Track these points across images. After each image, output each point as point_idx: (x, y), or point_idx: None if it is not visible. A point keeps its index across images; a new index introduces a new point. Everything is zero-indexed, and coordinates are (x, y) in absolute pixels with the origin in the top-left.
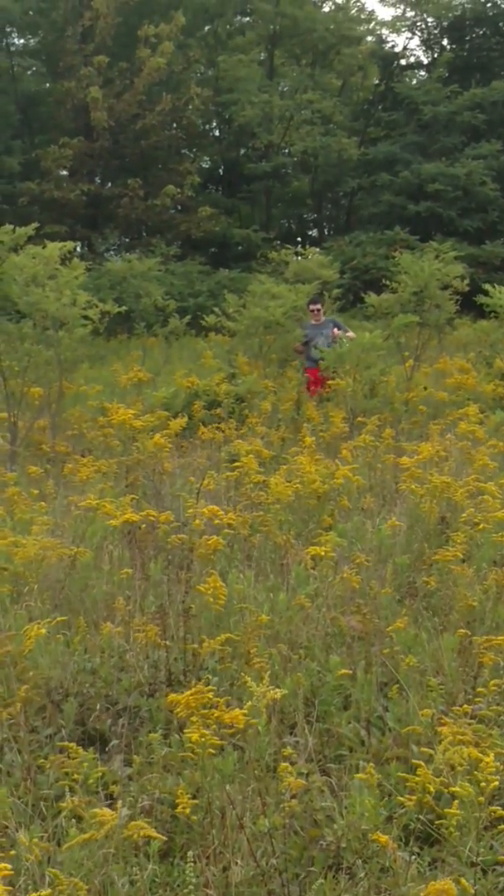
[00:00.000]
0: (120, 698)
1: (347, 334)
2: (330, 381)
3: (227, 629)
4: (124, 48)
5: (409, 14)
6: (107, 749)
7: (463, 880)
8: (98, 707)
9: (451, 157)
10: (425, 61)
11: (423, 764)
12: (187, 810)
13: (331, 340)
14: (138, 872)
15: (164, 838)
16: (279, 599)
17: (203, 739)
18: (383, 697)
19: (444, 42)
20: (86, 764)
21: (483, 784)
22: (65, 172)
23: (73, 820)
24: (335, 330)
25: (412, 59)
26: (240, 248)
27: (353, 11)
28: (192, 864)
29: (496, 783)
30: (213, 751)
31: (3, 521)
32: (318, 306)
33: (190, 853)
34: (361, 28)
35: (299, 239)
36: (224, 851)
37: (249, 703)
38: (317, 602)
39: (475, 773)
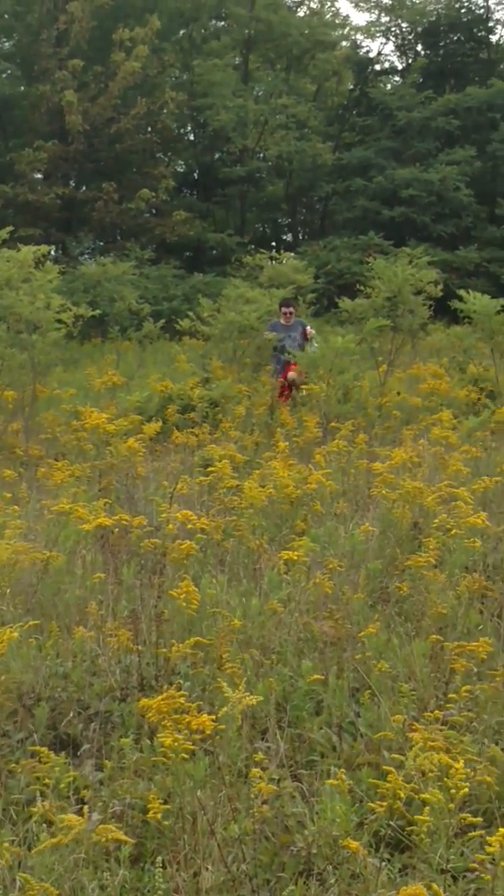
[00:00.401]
0: (92, 703)
1: (312, 333)
2: (304, 386)
3: (200, 634)
4: (99, 52)
5: (384, 19)
6: (78, 754)
7: (434, 886)
8: (70, 711)
9: (425, 162)
10: (400, 66)
11: (393, 770)
12: (158, 815)
13: (300, 342)
14: (108, 877)
15: (134, 842)
16: (252, 604)
17: (176, 744)
18: (355, 703)
19: (419, 47)
20: (57, 768)
21: (453, 791)
22: (39, 176)
23: (44, 825)
24: (308, 329)
25: (387, 65)
26: (214, 252)
27: (327, 16)
28: (161, 869)
29: (466, 790)
30: (185, 756)
31: None
32: (291, 309)
33: (160, 858)
34: (336, 33)
35: (274, 243)
36: (194, 857)
37: (224, 709)
38: (289, 607)
39: (446, 779)
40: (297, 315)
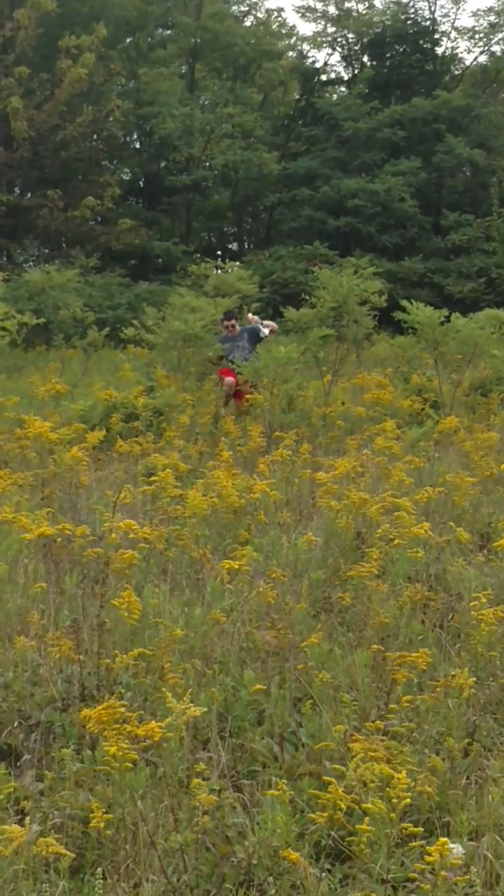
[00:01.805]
0: (33, 713)
1: (264, 324)
2: (248, 396)
3: (142, 643)
4: (45, 59)
5: (330, 30)
6: (18, 764)
7: None
8: (10, 722)
9: (370, 172)
10: (346, 77)
11: (334, 781)
12: (101, 824)
13: (249, 350)
14: (48, 889)
15: (73, 856)
16: (194, 614)
17: (121, 753)
18: (297, 713)
19: (365, 58)
20: None
21: (395, 800)
22: None
23: None
24: (261, 326)
25: (333, 75)
26: (160, 260)
27: (274, 26)
28: (102, 880)
29: (408, 800)
30: (129, 765)
31: None
32: (233, 322)
33: (100, 870)
34: (282, 43)
35: (219, 252)
36: (135, 868)
37: (168, 719)
38: (232, 617)
39: (387, 789)
40: (241, 323)
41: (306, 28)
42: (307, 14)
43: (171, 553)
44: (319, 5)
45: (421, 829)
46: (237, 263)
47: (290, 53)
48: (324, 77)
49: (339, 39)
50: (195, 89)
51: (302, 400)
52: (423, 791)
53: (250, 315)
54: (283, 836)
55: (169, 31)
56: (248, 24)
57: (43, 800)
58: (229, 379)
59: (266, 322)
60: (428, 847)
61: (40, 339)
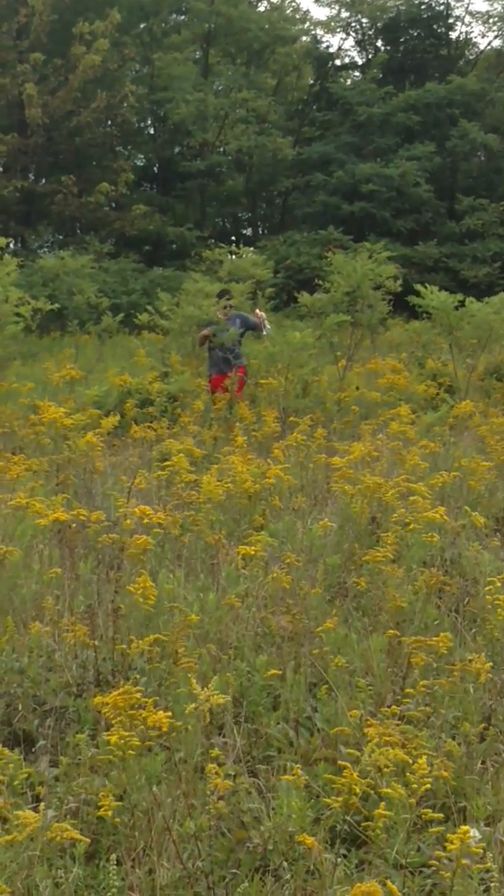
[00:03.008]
0: (47, 698)
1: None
2: (262, 381)
3: (157, 629)
4: (59, 45)
5: (344, 14)
6: (33, 750)
7: (389, 883)
8: (25, 707)
9: (385, 157)
10: (360, 62)
11: (349, 765)
12: (110, 812)
13: (238, 338)
14: (63, 875)
15: (88, 841)
16: (209, 599)
17: (122, 742)
18: (312, 698)
19: (379, 43)
20: (11, 765)
21: (415, 786)
22: None
23: None
24: (258, 312)
25: (347, 60)
26: (174, 246)
27: (287, 11)
28: (117, 866)
29: (428, 785)
30: (133, 752)
31: None
32: (231, 302)
33: (115, 856)
34: (296, 28)
35: (233, 238)
36: (150, 854)
37: (190, 706)
38: (247, 602)
39: (407, 774)
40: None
41: (320, 13)
42: None
43: (185, 538)
44: None
45: (441, 815)
46: (251, 249)
47: (304, 38)
48: (338, 62)
49: (352, 24)
50: (209, 74)
51: (317, 385)
52: (439, 776)
53: (259, 311)
54: (298, 821)
55: (183, 17)
56: (261, 9)
57: (58, 785)
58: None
59: (267, 325)
60: (448, 834)
61: (55, 325)
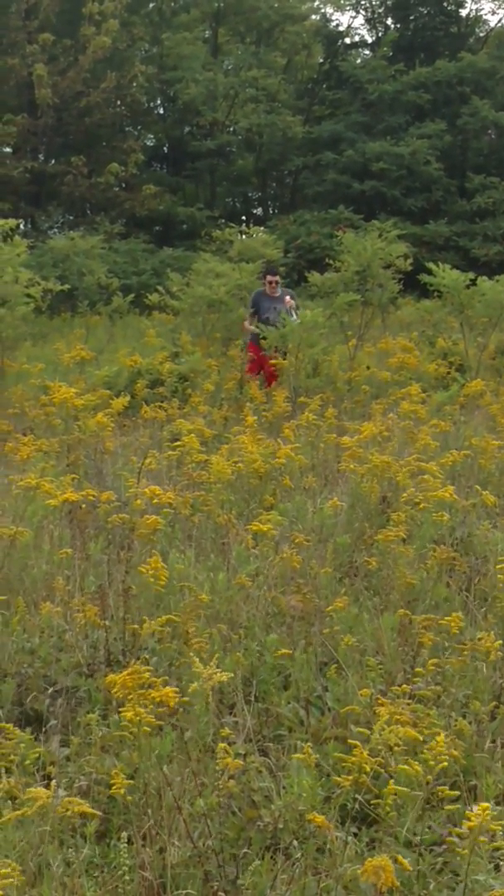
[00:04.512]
0: (58, 678)
1: (291, 304)
2: (273, 361)
3: (168, 609)
4: (69, 25)
5: None
6: (44, 729)
7: (400, 857)
8: (36, 687)
9: (395, 136)
10: (370, 40)
11: (359, 744)
12: (122, 790)
13: (288, 310)
14: (74, 854)
15: (99, 814)
16: (219, 579)
17: (138, 718)
18: (322, 677)
19: (389, 21)
20: (23, 744)
21: (432, 763)
22: (8, 149)
23: (9, 801)
24: (288, 299)
25: (356, 38)
26: (184, 226)
27: None
28: (127, 845)
29: (445, 763)
30: (148, 729)
31: None
32: (277, 278)
33: (125, 834)
34: (305, 6)
35: (244, 217)
36: (160, 832)
37: (194, 685)
38: (257, 581)
39: (424, 752)
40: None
41: None
42: None
43: (196, 518)
44: None
45: (456, 792)
46: (262, 228)
47: (314, 16)
48: (347, 40)
49: (362, 2)
50: (218, 54)
51: (327, 364)
52: (450, 755)
53: (289, 298)
54: (308, 799)
55: None
56: None
57: (69, 765)
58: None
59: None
60: (465, 812)
61: (65, 305)
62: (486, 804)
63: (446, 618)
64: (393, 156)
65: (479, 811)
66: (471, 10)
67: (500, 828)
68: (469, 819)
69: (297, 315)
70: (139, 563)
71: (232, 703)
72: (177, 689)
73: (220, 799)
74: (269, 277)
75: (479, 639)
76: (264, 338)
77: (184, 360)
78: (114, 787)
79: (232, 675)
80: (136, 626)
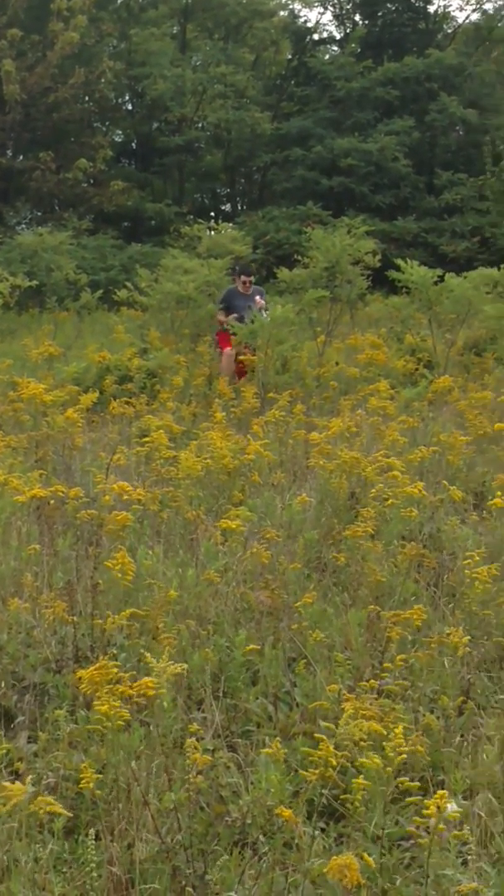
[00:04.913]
0: (26, 674)
1: (261, 303)
2: (242, 358)
3: (136, 605)
4: (37, 21)
5: None
6: (12, 726)
7: (365, 855)
8: (4, 683)
9: (364, 132)
10: (338, 36)
11: (325, 738)
12: (91, 785)
13: (257, 309)
14: (42, 850)
15: (70, 815)
16: (188, 575)
17: (112, 712)
18: (291, 673)
19: (357, 17)
20: None
21: (391, 755)
22: None
23: None
24: (258, 299)
25: (325, 34)
26: (153, 222)
27: None
28: (95, 841)
29: (404, 756)
30: (121, 723)
31: None
32: (251, 279)
33: (92, 830)
34: (274, 2)
35: (212, 213)
36: (129, 828)
37: (152, 678)
38: (226, 577)
39: (384, 744)
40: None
41: None
42: None
43: (164, 514)
44: None
45: (417, 784)
46: (230, 224)
47: (282, 13)
48: (316, 36)
49: None
50: (187, 50)
51: (296, 361)
52: (412, 749)
53: (259, 298)
54: (276, 794)
55: None
56: None
57: (37, 761)
58: (228, 353)
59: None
60: (426, 801)
61: (33, 301)
62: (442, 791)
63: (409, 611)
64: (361, 152)
65: (436, 799)
66: (438, 6)
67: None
68: (427, 808)
69: (267, 315)
70: (108, 559)
71: (200, 698)
72: (153, 681)
73: (188, 794)
74: (243, 278)
75: (448, 634)
76: (234, 334)
77: (152, 356)
78: (82, 783)
79: (186, 666)
80: (100, 620)
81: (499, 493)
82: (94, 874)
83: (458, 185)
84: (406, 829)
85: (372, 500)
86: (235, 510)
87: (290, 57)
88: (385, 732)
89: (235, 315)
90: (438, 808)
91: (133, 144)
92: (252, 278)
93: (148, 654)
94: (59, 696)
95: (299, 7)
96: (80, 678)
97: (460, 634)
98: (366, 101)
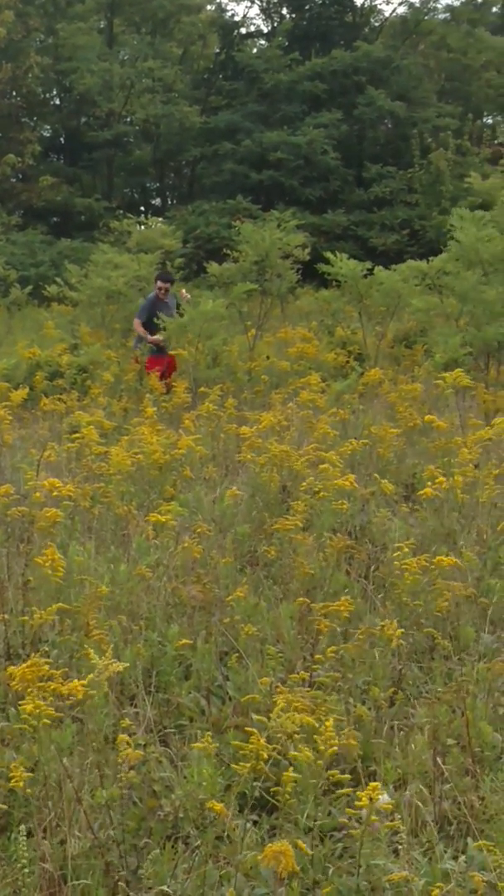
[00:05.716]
0: None
1: (187, 297)
2: (171, 352)
3: (68, 601)
4: None
5: None
6: None
7: (300, 843)
8: None
9: (292, 125)
10: (265, 30)
11: (256, 731)
12: (22, 783)
13: (185, 303)
14: None
15: (4, 808)
16: (120, 570)
17: (38, 711)
18: (223, 667)
19: (284, 11)
20: None
21: (322, 748)
22: None
23: None
24: (183, 292)
25: (252, 28)
26: (82, 217)
27: None
28: (27, 837)
29: (335, 748)
30: (48, 721)
31: None
32: (168, 285)
33: (23, 827)
34: None
35: (142, 208)
36: (61, 824)
37: (90, 675)
38: (158, 572)
39: (315, 737)
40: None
41: None
42: None
43: (96, 510)
44: None
45: (348, 776)
46: (160, 219)
47: (209, 7)
48: (243, 30)
49: None
50: (114, 44)
51: (227, 355)
52: (346, 744)
53: (184, 291)
54: (209, 788)
55: None
56: None
57: None
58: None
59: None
60: (358, 793)
61: None
62: (376, 783)
63: (337, 603)
64: (290, 145)
65: (369, 791)
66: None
67: (390, 808)
68: (360, 800)
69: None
70: (39, 555)
71: (132, 694)
72: (83, 683)
73: (120, 790)
74: (160, 283)
75: (381, 626)
76: (161, 349)
77: (83, 351)
78: (13, 780)
79: (128, 665)
80: (25, 617)
81: (429, 483)
82: (26, 871)
83: (387, 178)
84: (338, 820)
85: (303, 494)
86: (167, 505)
87: (217, 51)
88: (316, 725)
89: (159, 338)
90: (371, 799)
91: (61, 139)
92: (169, 285)
93: (91, 651)
94: None
95: (226, 1)
96: (11, 675)
97: (394, 626)
98: (294, 94)
